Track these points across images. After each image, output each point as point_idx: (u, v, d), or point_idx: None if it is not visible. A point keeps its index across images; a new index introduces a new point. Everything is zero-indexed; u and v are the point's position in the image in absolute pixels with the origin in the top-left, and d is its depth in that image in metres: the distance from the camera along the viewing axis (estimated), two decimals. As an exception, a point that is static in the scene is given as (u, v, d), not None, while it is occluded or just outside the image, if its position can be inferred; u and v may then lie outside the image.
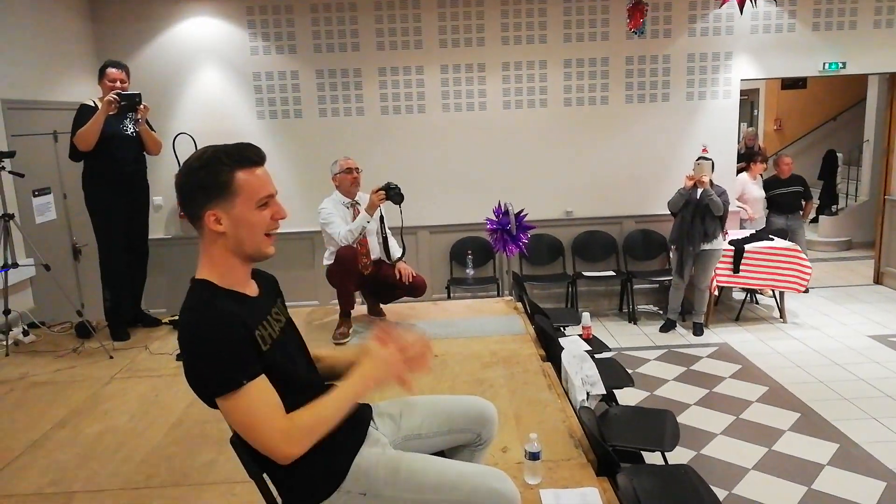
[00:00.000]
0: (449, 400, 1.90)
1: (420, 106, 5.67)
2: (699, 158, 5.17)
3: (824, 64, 5.73)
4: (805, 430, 3.75)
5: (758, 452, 3.52)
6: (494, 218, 4.75)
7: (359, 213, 3.93)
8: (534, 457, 2.22)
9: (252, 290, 1.57)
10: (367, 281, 4.06)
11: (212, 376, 1.40)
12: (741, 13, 5.10)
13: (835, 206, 8.71)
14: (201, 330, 1.40)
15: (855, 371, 4.53)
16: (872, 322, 5.51)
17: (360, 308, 4.32)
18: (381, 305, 4.34)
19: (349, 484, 1.52)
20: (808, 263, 5.38)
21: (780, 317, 5.70)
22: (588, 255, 5.91)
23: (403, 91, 5.65)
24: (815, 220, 8.35)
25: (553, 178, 5.82)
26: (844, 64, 5.73)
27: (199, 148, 1.56)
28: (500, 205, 4.78)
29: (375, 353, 1.54)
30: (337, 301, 4.03)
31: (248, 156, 1.49)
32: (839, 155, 8.88)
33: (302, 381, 1.57)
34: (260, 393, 1.41)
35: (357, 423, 1.64)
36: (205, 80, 5.51)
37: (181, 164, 1.57)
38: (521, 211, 4.74)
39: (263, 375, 1.42)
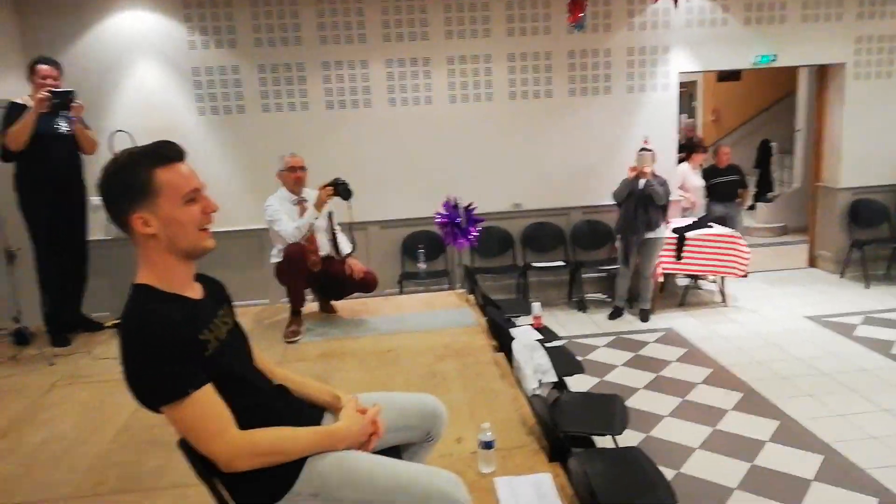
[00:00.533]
0: (402, 397, 1.91)
1: (366, 100, 5.63)
2: (641, 150, 5.30)
3: (756, 57, 5.94)
4: (747, 409, 3.90)
5: (703, 432, 3.64)
6: (444, 212, 4.77)
7: (306, 209, 3.88)
8: (487, 446, 2.25)
9: (195, 292, 1.54)
10: (317, 278, 4.01)
11: (156, 386, 1.37)
12: (675, 6, 5.26)
13: (770, 194, 9.06)
14: (143, 338, 1.37)
15: (792, 351, 4.74)
16: (807, 304, 5.77)
17: (310, 305, 4.28)
18: (333, 302, 4.31)
19: (301, 485, 1.50)
20: (746, 249, 5.59)
21: (722, 301, 5.90)
22: (537, 246, 5.99)
23: (348, 85, 5.59)
24: (752, 207, 8.67)
25: (501, 170, 5.86)
26: (775, 57, 5.96)
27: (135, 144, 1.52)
28: (449, 198, 4.81)
29: (354, 418, 1.64)
30: (287, 299, 3.98)
31: (165, 153, 1.45)
32: (773, 144, 9.23)
33: (250, 383, 1.56)
34: (206, 402, 1.39)
35: (308, 422, 1.63)
36: (141, 75, 5.33)
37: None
38: (471, 204, 4.78)
39: (210, 385, 1.41)
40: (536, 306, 4.02)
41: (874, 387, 4.09)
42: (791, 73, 8.23)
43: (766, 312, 5.61)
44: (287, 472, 1.50)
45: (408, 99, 5.67)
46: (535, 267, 5.83)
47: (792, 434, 3.58)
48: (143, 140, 1.57)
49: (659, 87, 5.91)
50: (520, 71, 5.75)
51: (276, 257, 3.92)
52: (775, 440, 3.53)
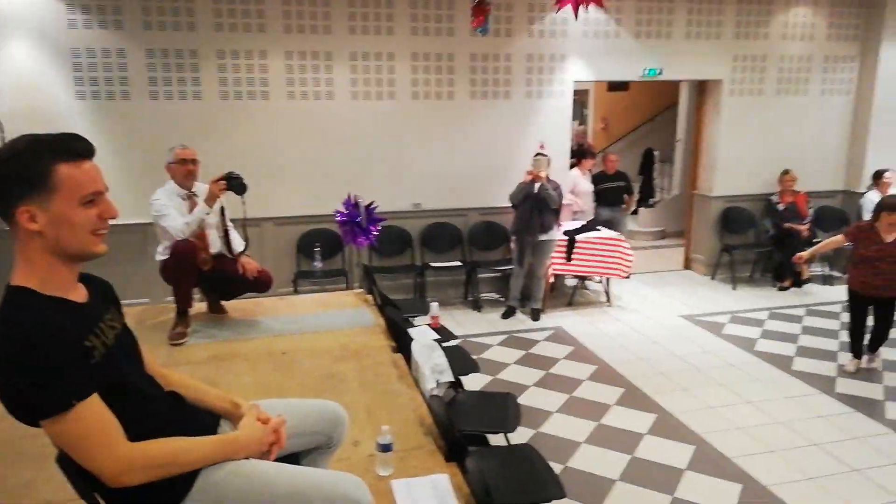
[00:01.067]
0: (300, 403, 1.87)
1: (263, 93, 5.45)
2: (537, 154, 5.49)
3: (645, 70, 6.30)
4: (628, 403, 4.14)
5: (588, 427, 3.84)
6: (344, 210, 4.72)
7: (196, 204, 3.70)
8: (385, 449, 2.25)
9: (79, 294, 1.43)
10: (206, 277, 3.83)
11: (35, 398, 1.26)
12: (576, 18, 5.47)
13: (651, 199, 9.64)
14: (20, 347, 1.25)
15: (669, 347, 5.08)
16: (682, 304, 6.20)
17: (199, 305, 4.09)
18: (223, 302, 4.14)
19: (196, 496, 1.44)
20: (630, 252, 5.92)
21: (607, 301, 6.23)
22: (435, 246, 6.06)
23: (245, 76, 5.39)
24: (635, 212, 9.18)
25: (402, 170, 5.87)
26: (661, 70, 6.35)
27: (3, 129, 1.40)
28: (349, 197, 4.75)
29: (254, 426, 1.58)
30: (172, 299, 3.78)
31: (73, 147, 1.36)
32: (656, 153, 9.83)
33: (142, 391, 1.48)
34: (93, 414, 1.30)
35: (204, 431, 1.57)
36: (11, 53, 4.86)
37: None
38: (371, 203, 4.75)
39: (96, 395, 1.31)
40: (434, 306, 4.06)
41: (740, 380, 4.47)
42: (674, 86, 8.79)
43: (646, 312, 5.98)
44: (178, 483, 1.43)
45: (308, 93, 5.55)
46: (433, 267, 5.89)
47: (668, 426, 3.84)
48: (10, 123, 1.45)
49: (555, 93, 6.14)
50: (422, 71, 5.78)
51: (162, 254, 3.71)
52: (653, 433, 3.77)
